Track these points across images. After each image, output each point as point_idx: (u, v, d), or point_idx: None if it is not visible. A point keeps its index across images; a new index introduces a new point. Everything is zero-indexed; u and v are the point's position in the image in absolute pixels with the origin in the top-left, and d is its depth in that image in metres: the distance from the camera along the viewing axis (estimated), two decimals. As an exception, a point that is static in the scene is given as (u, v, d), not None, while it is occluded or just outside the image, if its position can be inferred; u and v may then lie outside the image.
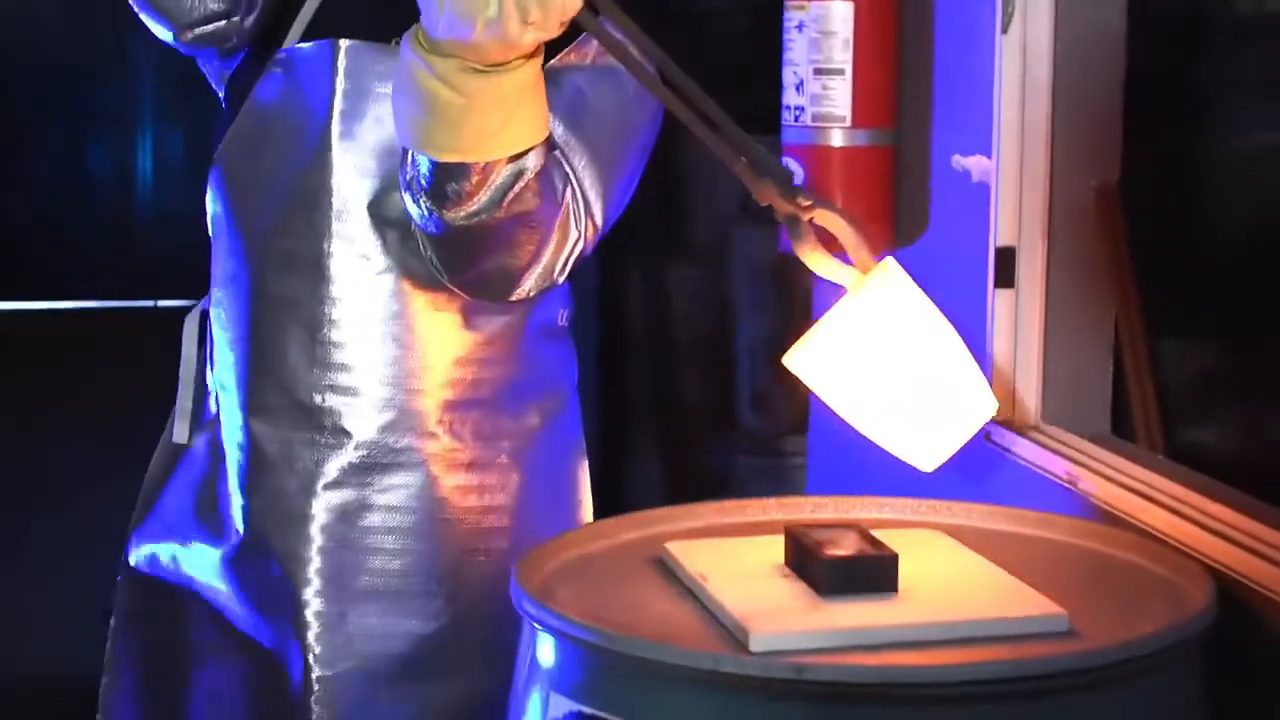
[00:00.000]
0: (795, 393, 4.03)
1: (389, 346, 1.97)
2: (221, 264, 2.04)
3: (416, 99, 1.66)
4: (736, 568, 1.76)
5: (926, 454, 1.73)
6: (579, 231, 1.88)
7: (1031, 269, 2.20)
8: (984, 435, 2.27)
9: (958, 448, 1.73)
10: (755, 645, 1.57)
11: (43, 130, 4.77)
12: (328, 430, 1.98)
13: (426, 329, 1.97)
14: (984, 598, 1.69)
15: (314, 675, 1.95)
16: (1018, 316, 2.21)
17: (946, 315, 1.70)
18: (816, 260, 1.70)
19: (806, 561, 1.72)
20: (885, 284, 1.70)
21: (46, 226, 4.71)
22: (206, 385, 2.10)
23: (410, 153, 1.74)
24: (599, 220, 1.92)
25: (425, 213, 1.77)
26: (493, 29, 1.58)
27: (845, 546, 1.73)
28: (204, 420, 2.09)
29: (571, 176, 1.88)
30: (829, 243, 1.70)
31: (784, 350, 1.66)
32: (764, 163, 1.70)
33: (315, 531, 1.97)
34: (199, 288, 2.11)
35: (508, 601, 1.73)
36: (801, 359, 1.71)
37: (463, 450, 2.01)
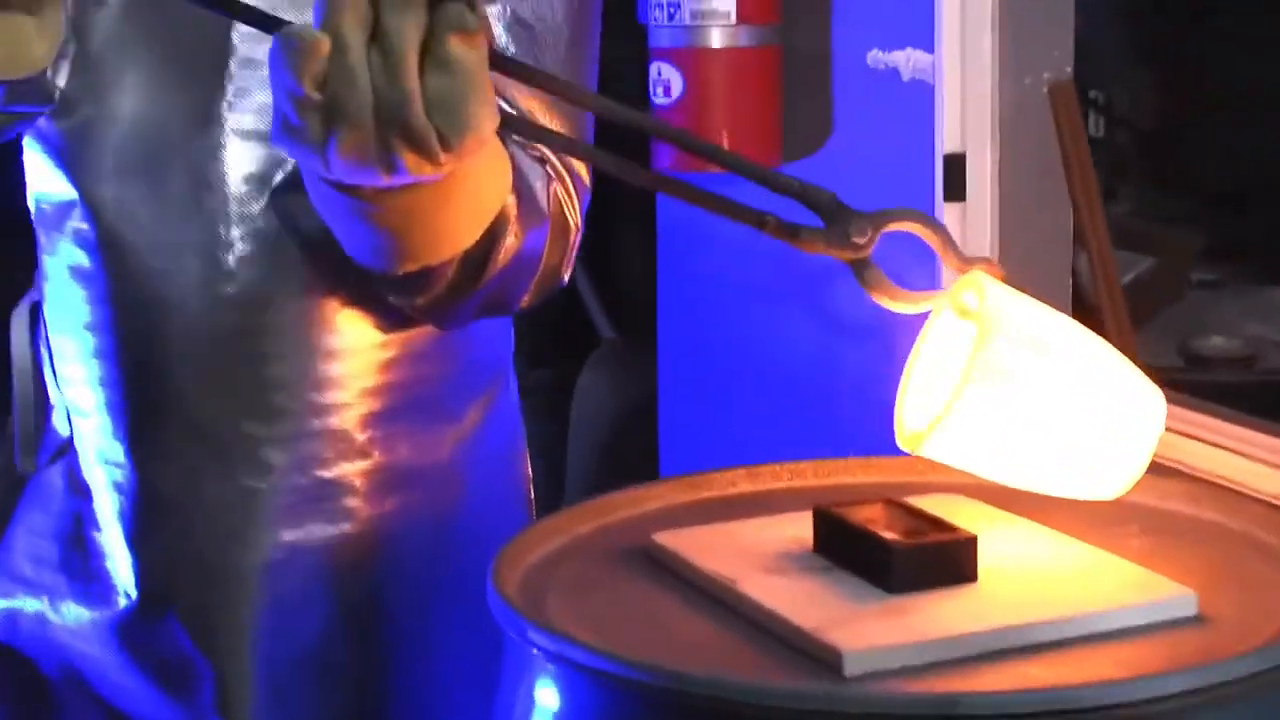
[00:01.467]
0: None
1: (307, 356, 1.55)
2: (63, 256, 1.58)
3: (347, 224, 1.30)
4: (758, 562, 1.42)
5: (1113, 484, 1.43)
6: (574, 218, 1.52)
7: (980, 177, 1.90)
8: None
9: (1146, 464, 1.43)
10: (851, 667, 1.23)
11: None
12: (242, 467, 1.55)
13: (347, 328, 1.56)
14: (1083, 580, 1.38)
15: None
16: (966, 232, 1.91)
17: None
18: (900, 304, 1.36)
19: (860, 550, 1.38)
20: (999, 313, 1.36)
21: None
22: (47, 398, 1.65)
23: None
24: (588, 178, 1.55)
25: (396, 300, 1.42)
26: (402, 177, 1.17)
27: (900, 528, 1.40)
28: (51, 443, 1.64)
29: (551, 159, 1.50)
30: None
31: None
32: (806, 196, 1.32)
33: (237, 593, 1.56)
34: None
35: (473, 643, 1.44)
36: (936, 442, 1.38)
37: (401, 468, 1.61)
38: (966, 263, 1.39)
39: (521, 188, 1.41)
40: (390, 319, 1.57)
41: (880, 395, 2.13)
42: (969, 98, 1.86)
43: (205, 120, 1.50)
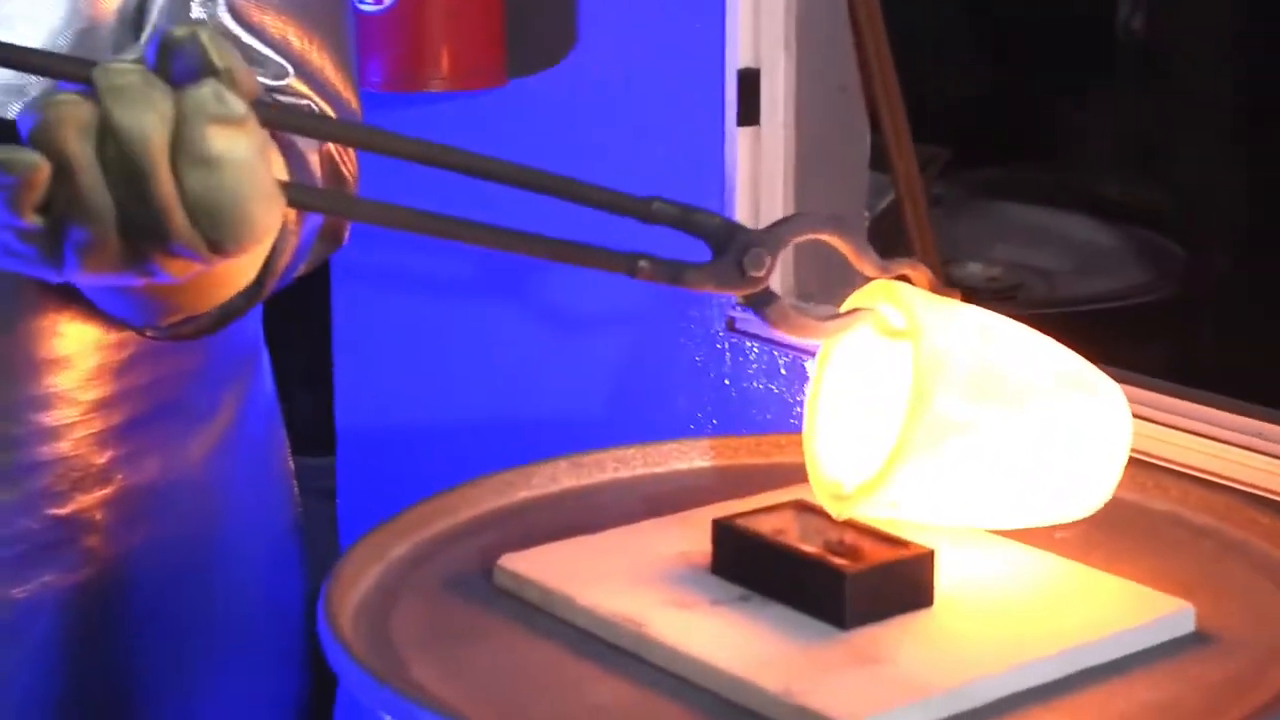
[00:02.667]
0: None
1: (21, 370, 1.19)
2: None
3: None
4: (654, 593, 1.15)
5: (1087, 502, 1.20)
6: (349, 169, 1.24)
7: (775, 97, 1.64)
8: (727, 323, 1.72)
9: (1120, 473, 1.19)
10: (848, 745, 0.99)
11: None
12: None
13: (69, 330, 1.21)
14: (1059, 599, 1.15)
15: None
16: (760, 162, 1.65)
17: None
18: (814, 335, 1.13)
19: (788, 574, 1.13)
20: (939, 358, 1.11)
21: None
22: None
23: None
24: (357, 103, 1.26)
25: (152, 336, 1.15)
26: (164, 280, 0.90)
27: (825, 542, 1.15)
28: None
29: (319, 103, 1.20)
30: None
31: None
32: (687, 224, 1.03)
33: None
34: None
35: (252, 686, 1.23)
36: (873, 506, 1.13)
37: (149, 489, 1.28)
38: (886, 270, 1.14)
39: (295, 171, 1.11)
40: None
41: (589, 387, 1.91)
42: (763, 3, 1.60)
43: None
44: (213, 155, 0.84)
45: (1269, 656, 1.09)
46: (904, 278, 1.15)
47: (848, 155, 1.68)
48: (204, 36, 0.84)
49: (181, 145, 0.84)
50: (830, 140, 1.66)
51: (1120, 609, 1.12)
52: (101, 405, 1.24)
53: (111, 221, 0.85)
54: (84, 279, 0.89)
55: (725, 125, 1.63)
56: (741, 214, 1.64)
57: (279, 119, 0.93)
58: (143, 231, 0.86)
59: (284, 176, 1.03)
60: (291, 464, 1.46)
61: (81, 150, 0.84)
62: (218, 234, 0.86)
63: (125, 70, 0.84)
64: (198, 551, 1.33)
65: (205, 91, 0.84)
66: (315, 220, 1.15)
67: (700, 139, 1.61)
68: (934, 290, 1.15)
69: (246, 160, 0.85)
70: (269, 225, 0.87)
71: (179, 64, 0.85)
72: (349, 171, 1.25)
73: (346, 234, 1.26)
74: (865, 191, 1.71)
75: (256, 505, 1.39)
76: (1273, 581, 1.20)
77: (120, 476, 1.26)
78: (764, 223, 1.65)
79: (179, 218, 0.85)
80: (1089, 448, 1.17)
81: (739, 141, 1.62)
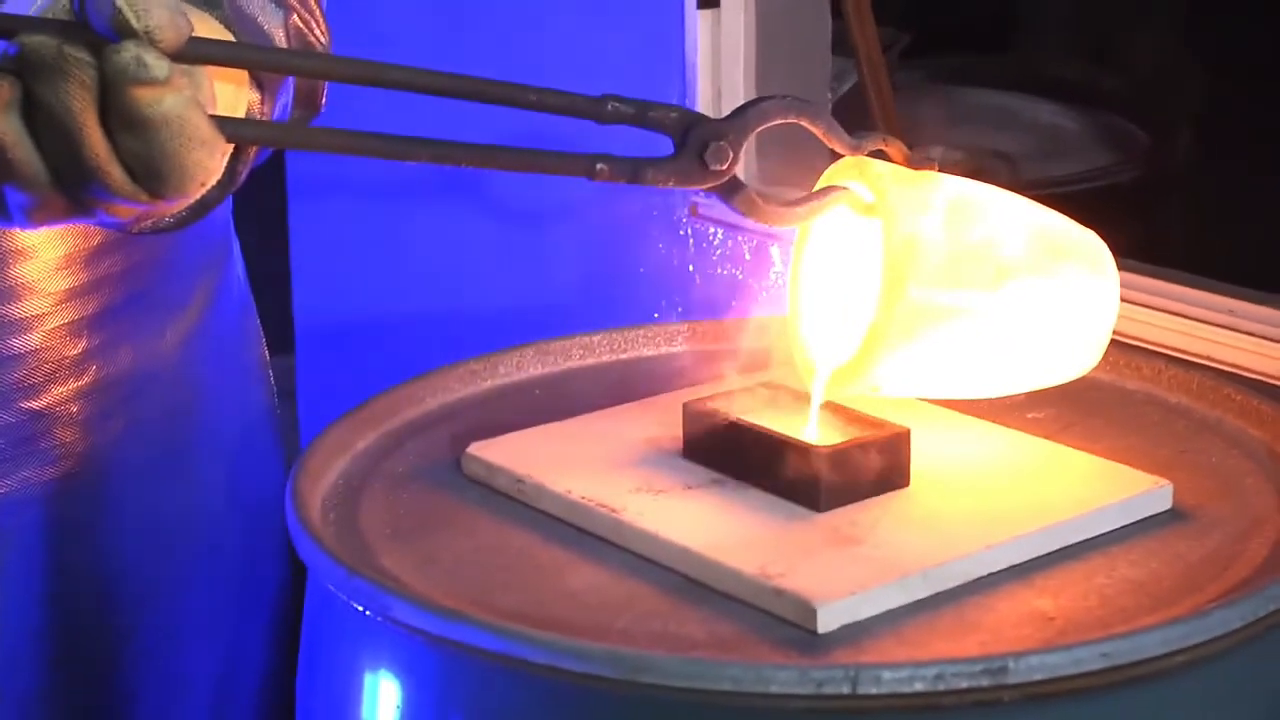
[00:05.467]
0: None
1: None
2: None
3: None
4: (626, 479, 1.14)
5: (1076, 366, 1.17)
6: (318, 38, 1.22)
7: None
8: (690, 209, 1.70)
9: (1109, 334, 1.17)
10: (826, 621, 0.97)
11: None
12: None
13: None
14: (1033, 478, 1.14)
15: None
16: (721, 46, 1.62)
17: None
18: (786, 221, 1.10)
19: (761, 457, 1.11)
20: (910, 245, 1.09)
21: None
22: None
23: None
24: None
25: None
26: (109, 220, 0.94)
27: (798, 424, 1.14)
28: None
29: None
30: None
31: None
32: (645, 121, 1.01)
33: None
34: None
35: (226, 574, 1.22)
36: (860, 381, 1.11)
37: (124, 380, 1.26)
38: (859, 148, 1.11)
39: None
40: None
41: (552, 277, 1.89)
42: None
43: None
44: (140, 118, 0.86)
45: (1245, 532, 1.08)
46: (879, 154, 1.13)
47: (809, 38, 1.66)
48: None
49: (110, 108, 0.86)
50: (791, 22, 1.64)
51: (1097, 487, 1.11)
52: (72, 295, 1.22)
53: (48, 184, 0.88)
54: (31, 228, 0.92)
55: (685, 7, 1.60)
56: (702, 99, 1.62)
57: (211, 54, 0.92)
58: (82, 188, 0.88)
59: (239, 105, 1.01)
60: (266, 352, 1.44)
61: (7, 127, 0.86)
62: (156, 187, 0.88)
63: (42, 44, 0.86)
64: (174, 442, 1.31)
65: (125, 56, 0.85)
66: (287, 95, 1.13)
67: (659, 22, 1.59)
68: (909, 165, 1.13)
69: (174, 115, 0.87)
70: (210, 170, 0.89)
71: (98, 21, 0.85)
72: (317, 40, 1.22)
73: (323, 98, 1.24)
74: (828, 75, 1.69)
75: (231, 395, 1.37)
76: (1248, 458, 1.19)
77: (94, 368, 1.24)
78: (725, 109, 1.64)
79: (116, 174, 0.87)
80: (1076, 314, 1.15)
81: (699, 24, 1.60)
